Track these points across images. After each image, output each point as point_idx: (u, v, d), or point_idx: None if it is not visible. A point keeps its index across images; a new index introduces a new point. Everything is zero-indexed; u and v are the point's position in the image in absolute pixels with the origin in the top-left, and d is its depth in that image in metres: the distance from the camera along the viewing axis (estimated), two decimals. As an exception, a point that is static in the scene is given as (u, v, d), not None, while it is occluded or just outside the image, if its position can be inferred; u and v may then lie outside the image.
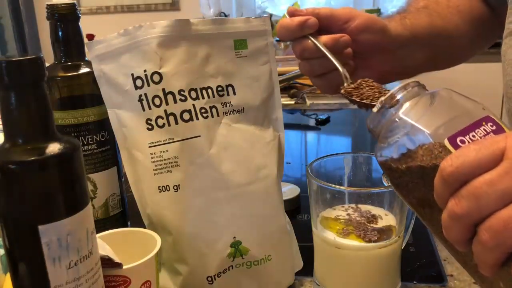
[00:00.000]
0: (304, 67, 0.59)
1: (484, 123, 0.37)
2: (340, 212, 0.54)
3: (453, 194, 0.34)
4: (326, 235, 0.52)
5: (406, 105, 0.41)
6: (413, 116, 0.40)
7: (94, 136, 0.58)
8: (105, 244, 0.45)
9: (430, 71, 0.70)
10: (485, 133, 0.37)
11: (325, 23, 0.57)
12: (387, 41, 0.60)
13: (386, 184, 0.52)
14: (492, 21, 0.73)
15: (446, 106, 0.41)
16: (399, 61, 0.64)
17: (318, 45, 0.55)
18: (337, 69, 0.53)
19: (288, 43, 2.13)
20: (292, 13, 0.57)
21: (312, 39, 0.55)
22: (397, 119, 0.41)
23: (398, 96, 0.42)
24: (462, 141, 0.36)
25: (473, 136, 0.36)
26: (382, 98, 0.43)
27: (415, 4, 0.69)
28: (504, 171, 0.32)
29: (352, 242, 0.51)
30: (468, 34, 0.71)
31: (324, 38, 0.55)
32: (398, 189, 0.41)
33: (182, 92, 0.51)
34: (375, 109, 0.44)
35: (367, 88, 0.51)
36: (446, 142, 0.36)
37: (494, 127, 0.37)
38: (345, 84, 0.52)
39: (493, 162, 0.32)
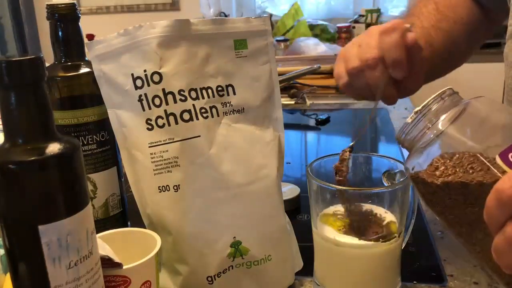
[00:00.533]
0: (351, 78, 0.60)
1: None
2: (340, 210, 0.54)
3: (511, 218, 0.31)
4: (326, 233, 0.52)
5: (444, 116, 0.39)
6: (453, 128, 0.38)
7: (94, 136, 0.58)
8: (105, 244, 0.45)
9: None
10: None
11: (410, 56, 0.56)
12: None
13: (386, 184, 0.52)
14: (485, 29, 0.74)
15: (487, 117, 0.39)
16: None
17: (378, 93, 0.54)
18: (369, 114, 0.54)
19: (288, 43, 2.12)
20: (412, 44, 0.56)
21: (384, 83, 0.55)
22: (434, 131, 0.39)
23: (435, 107, 0.40)
24: None
25: None
26: (418, 108, 0.40)
27: (429, 19, 0.68)
28: None
29: (352, 240, 0.51)
30: (465, 46, 0.71)
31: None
32: (432, 205, 0.39)
33: (182, 92, 0.51)
34: (409, 119, 0.41)
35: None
36: (498, 159, 0.34)
37: None
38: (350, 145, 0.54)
39: None
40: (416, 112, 0.41)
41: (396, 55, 0.54)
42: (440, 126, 0.39)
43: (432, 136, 0.39)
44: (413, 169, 0.40)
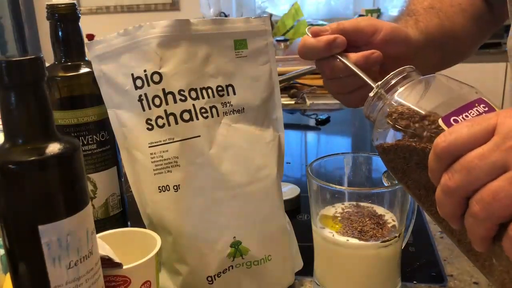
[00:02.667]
0: (332, 86, 0.57)
1: (477, 105, 0.38)
2: (340, 210, 0.54)
3: (446, 169, 0.35)
4: (325, 233, 0.52)
5: (402, 89, 0.43)
6: (408, 99, 0.41)
7: (94, 136, 0.58)
8: (105, 244, 0.45)
9: (438, 71, 0.70)
10: (478, 113, 0.38)
11: (350, 38, 0.54)
12: (409, 50, 0.59)
13: (386, 184, 0.52)
14: (489, 18, 0.74)
15: (441, 90, 0.42)
16: (416, 66, 0.63)
17: (349, 64, 0.51)
18: (368, 84, 0.50)
19: (288, 43, 2.13)
20: (316, 34, 0.54)
21: (342, 58, 0.52)
22: (393, 103, 0.42)
23: (394, 81, 0.43)
24: (456, 121, 0.37)
25: (466, 116, 0.38)
26: (379, 83, 0.44)
27: (420, 4, 0.68)
28: (495, 145, 0.33)
29: (352, 240, 0.51)
30: (470, 32, 0.71)
31: (354, 56, 0.53)
32: (394, 173, 0.42)
33: (182, 92, 0.51)
34: (371, 94, 0.45)
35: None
36: (440, 122, 0.38)
37: (486, 108, 0.38)
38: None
39: (485, 137, 0.33)
40: (377, 87, 0.44)
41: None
42: (399, 98, 0.42)
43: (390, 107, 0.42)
44: (377, 139, 0.43)
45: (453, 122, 0.37)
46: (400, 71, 0.44)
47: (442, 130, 0.37)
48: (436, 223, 0.42)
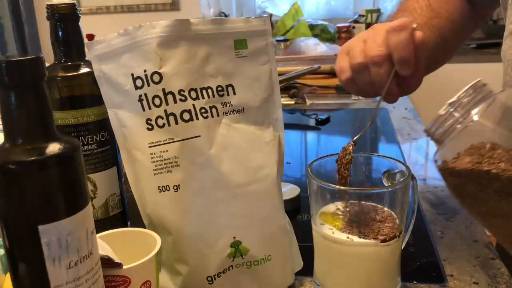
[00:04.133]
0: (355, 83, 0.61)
1: None
2: (340, 207, 0.54)
3: None
4: (325, 230, 0.52)
5: (476, 109, 0.38)
6: (484, 119, 0.37)
7: (94, 136, 0.58)
8: (105, 244, 0.45)
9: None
10: None
11: None
12: None
13: (386, 184, 0.52)
14: (473, 22, 0.74)
15: None
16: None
17: (383, 90, 0.56)
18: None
19: (288, 43, 2.12)
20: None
21: (389, 80, 0.56)
22: (466, 123, 0.38)
23: (467, 99, 0.39)
24: None
25: None
26: (451, 100, 0.40)
27: (422, 16, 0.69)
28: None
29: (352, 236, 0.51)
30: (453, 43, 0.72)
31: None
32: (461, 197, 0.39)
33: (182, 92, 0.51)
34: (441, 111, 0.41)
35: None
36: None
37: None
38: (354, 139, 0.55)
39: None
40: (450, 104, 0.40)
41: (406, 53, 0.55)
42: (473, 119, 0.38)
43: (466, 127, 0.38)
44: (443, 161, 0.39)
45: None
46: (472, 87, 0.40)
47: None
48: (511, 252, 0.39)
